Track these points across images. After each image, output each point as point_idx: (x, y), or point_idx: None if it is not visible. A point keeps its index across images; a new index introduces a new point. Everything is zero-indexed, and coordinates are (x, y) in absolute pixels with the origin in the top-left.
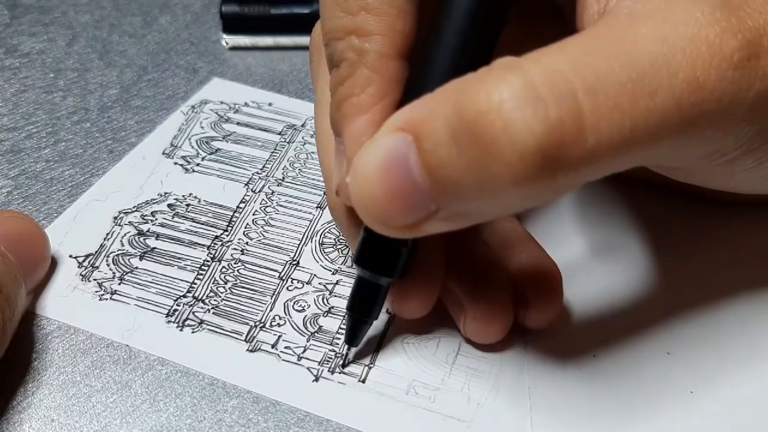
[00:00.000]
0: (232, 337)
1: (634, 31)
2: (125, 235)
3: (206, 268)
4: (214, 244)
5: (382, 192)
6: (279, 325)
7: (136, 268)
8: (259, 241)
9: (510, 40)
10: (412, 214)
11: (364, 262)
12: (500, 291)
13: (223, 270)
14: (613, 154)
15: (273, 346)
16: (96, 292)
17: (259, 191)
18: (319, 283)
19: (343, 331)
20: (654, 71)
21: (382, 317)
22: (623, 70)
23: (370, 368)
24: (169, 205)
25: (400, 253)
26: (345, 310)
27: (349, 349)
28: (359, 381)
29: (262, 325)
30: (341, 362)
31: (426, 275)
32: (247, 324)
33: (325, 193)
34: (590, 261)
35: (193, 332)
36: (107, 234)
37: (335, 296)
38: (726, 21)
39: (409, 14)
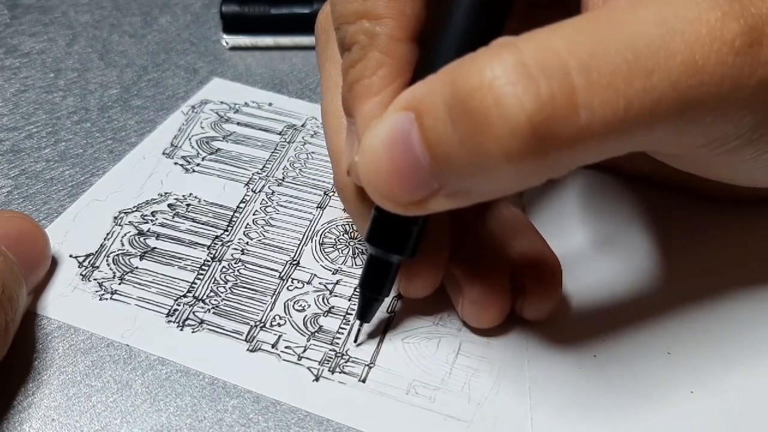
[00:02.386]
0: (233, 336)
1: (633, 13)
2: (125, 234)
3: (206, 268)
4: (215, 244)
5: (387, 169)
6: (279, 324)
7: (137, 267)
8: (259, 241)
9: (517, 29)
10: (417, 191)
11: (376, 240)
12: (499, 276)
13: (224, 270)
14: (607, 135)
15: (273, 346)
16: (96, 291)
17: (260, 191)
18: (320, 283)
19: (344, 331)
20: (651, 53)
21: (383, 317)
22: (619, 50)
23: (370, 368)
24: (169, 205)
25: (410, 232)
26: (357, 288)
27: (361, 325)
28: (359, 381)
29: (262, 324)
30: (354, 339)
31: (432, 255)
32: (247, 324)
33: (325, 193)
34: (591, 256)
35: (193, 332)
36: (107, 234)
37: (335, 296)
38: (728, 5)
39: None
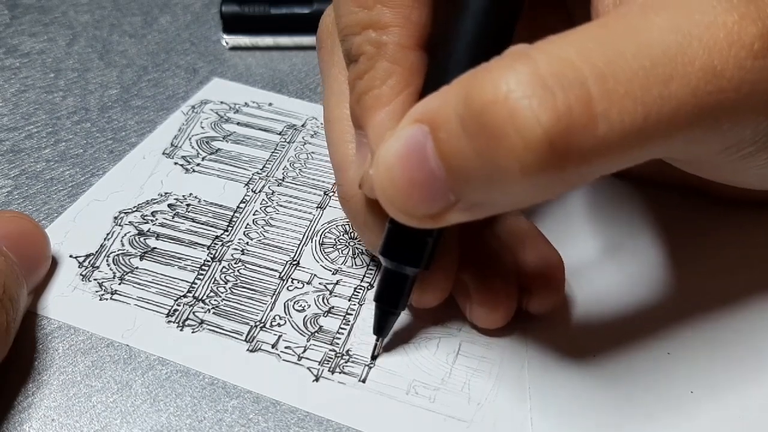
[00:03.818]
0: (233, 337)
1: (647, 20)
2: (125, 235)
3: (206, 268)
4: (215, 244)
5: (403, 182)
6: (279, 325)
7: (137, 268)
8: (259, 241)
9: (526, 35)
10: (434, 204)
11: (391, 253)
12: (506, 280)
13: (224, 270)
14: (626, 145)
15: (273, 346)
16: (96, 292)
17: (260, 191)
18: (320, 283)
19: (344, 331)
20: (668, 59)
21: None
22: (635, 58)
23: (370, 368)
24: (169, 205)
25: (425, 244)
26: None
27: (378, 340)
28: (359, 381)
29: (262, 325)
30: (371, 353)
31: (443, 265)
32: (247, 324)
33: (325, 193)
34: (592, 259)
35: (193, 332)
36: (107, 234)
37: (335, 296)
38: (744, 8)
39: (424, 4)
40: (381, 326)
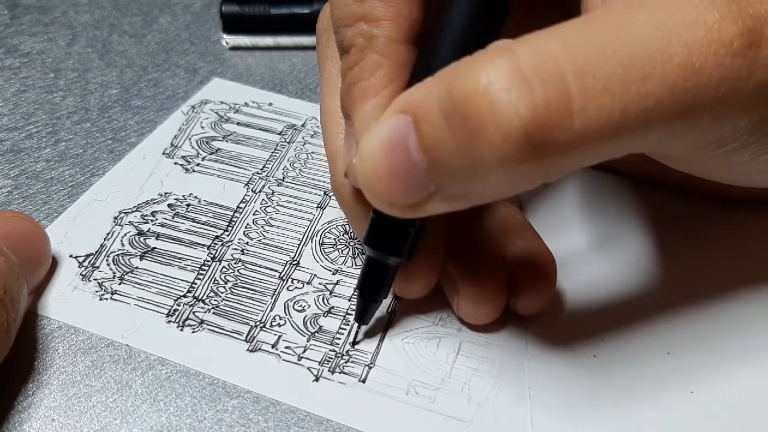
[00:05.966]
0: (233, 337)
1: (630, 16)
2: (125, 235)
3: (206, 268)
4: (215, 244)
5: (384, 171)
6: (279, 325)
7: (137, 268)
8: (259, 241)
9: (517, 30)
10: (414, 194)
11: (374, 242)
12: (494, 274)
13: (224, 270)
14: (603, 139)
15: (273, 346)
16: (96, 291)
17: (260, 191)
18: (320, 283)
19: (344, 331)
20: (647, 56)
21: (383, 317)
22: (615, 54)
23: (370, 368)
24: (169, 205)
25: (408, 234)
26: (355, 290)
27: (359, 327)
28: (359, 381)
29: (262, 325)
30: (351, 340)
31: (428, 256)
32: (247, 324)
33: (325, 193)
34: (590, 256)
35: (193, 332)
36: (107, 234)
37: (335, 296)
38: (726, 7)
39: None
40: (362, 314)
